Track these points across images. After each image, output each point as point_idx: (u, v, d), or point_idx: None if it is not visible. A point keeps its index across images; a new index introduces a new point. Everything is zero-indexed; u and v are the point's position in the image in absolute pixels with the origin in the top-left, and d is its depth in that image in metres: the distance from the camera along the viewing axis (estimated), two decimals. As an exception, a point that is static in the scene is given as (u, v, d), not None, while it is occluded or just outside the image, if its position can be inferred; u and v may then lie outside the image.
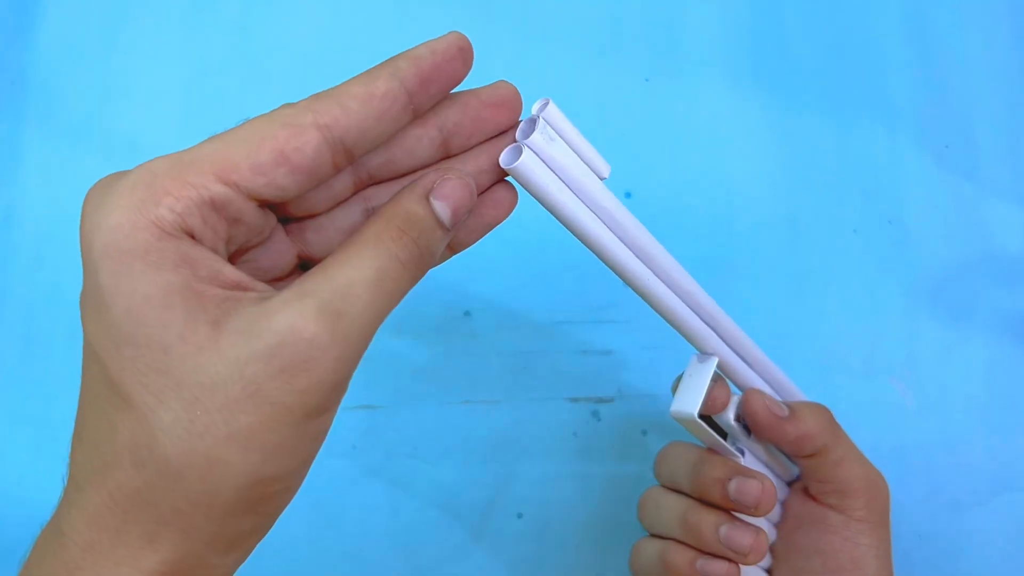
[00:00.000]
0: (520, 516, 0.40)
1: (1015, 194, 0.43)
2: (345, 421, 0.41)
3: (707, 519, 0.31)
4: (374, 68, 0.22)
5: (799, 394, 0.35)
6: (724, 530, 0.30)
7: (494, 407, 0.41)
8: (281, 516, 0.41)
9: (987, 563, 0.40)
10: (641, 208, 0.43)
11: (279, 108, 0.21)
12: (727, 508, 0.31)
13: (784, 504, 0.35)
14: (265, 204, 0.20)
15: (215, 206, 0.19)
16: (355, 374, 0.39)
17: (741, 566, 0.31)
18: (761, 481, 0.30)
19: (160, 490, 0.18)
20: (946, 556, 0.40)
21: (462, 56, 0.22)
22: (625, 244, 0.27)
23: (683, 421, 0.30)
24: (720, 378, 0.31)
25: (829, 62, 0.45)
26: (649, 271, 0.28)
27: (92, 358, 0.21)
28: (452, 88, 0.23)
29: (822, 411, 0.33)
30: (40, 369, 0.41)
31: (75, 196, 0.44)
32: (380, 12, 0.45)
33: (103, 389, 0.20)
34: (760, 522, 0.33)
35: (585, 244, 0.26)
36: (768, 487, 0.30)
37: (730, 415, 0.31)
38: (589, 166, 0.26)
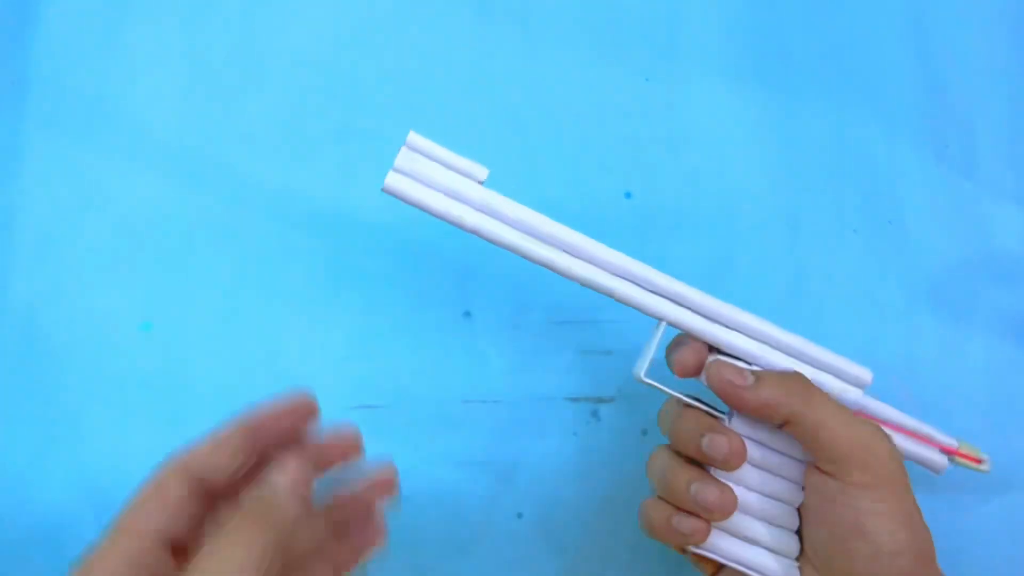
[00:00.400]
0: (520, 516, 0.40)
1: (1015, 193, 0.43)
2: (345, 421, 0.41)
3: (682, 475, 0.32)
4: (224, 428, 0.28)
5: (814, 353, 0.34)
6: (695, 487, 0.32)
7: (494, 407, 0.41)
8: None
9: (989, 563, 0.40)
10: (641, 208, 0.43)
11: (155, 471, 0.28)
12: (702, 462, 0.33)
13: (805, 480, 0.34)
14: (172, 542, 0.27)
15: (137, 565, 0.25)
16: (355, 374, 0.39)
17: (749, 544, 0.33)
18: (730, 437, 0.32)
19: None
20: (947, 557, 0.40)
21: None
22: (522, 231, 0.32)
23: (638, 380, 0.33)
24: (688, 342, 0.33)
25: (829, 62, 0.45)
26: (554, 248, 0.32)
27: None
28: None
29: (789, 378, 0.32)
30: (40, 368, 0.42)
31: (75, 196, 0.45)
32: (380, 13, 0.45)
33: None
34: (766, 501, 0.33)
35: (476, 235, 0.32)
36: (736, 443, 0.32)
37: (704, 377, 0.33)
38: (463, 174, 0.31)
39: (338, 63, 0.45)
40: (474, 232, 0.31)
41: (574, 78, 0.45)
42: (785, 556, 0.34)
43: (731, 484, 0.33)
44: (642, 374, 0.33)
